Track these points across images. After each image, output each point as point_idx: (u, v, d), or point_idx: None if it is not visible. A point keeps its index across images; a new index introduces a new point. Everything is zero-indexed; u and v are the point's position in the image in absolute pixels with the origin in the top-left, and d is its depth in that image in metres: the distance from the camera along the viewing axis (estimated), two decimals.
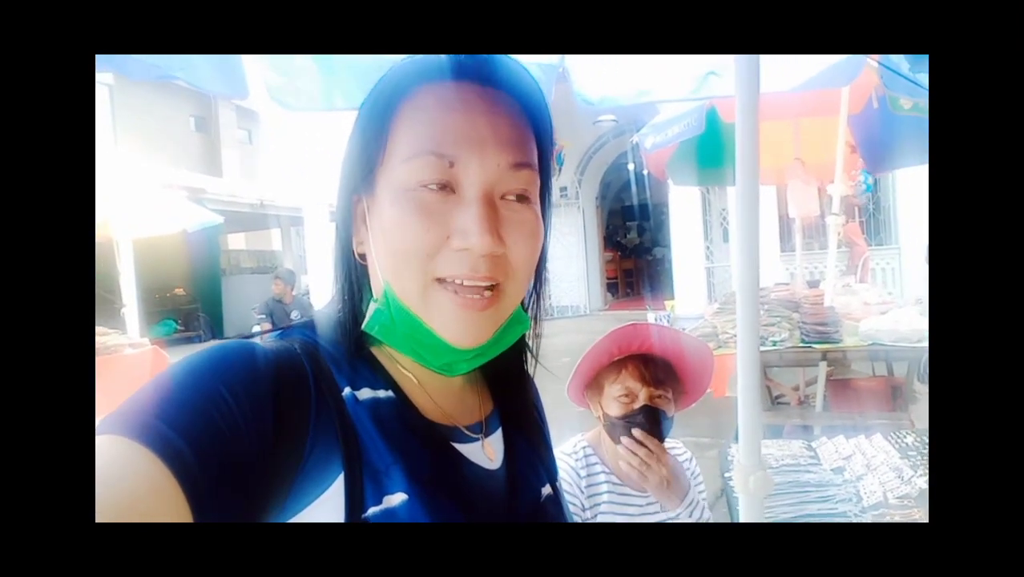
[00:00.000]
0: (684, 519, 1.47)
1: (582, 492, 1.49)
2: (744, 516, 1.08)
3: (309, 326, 0.58)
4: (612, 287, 15.06)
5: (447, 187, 0.52)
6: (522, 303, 0.60)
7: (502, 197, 0.54)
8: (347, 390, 0.53)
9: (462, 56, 0.55)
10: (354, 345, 0.57)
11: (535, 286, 0.64)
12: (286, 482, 0.47)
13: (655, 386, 1.46)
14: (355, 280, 0.59)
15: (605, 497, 1.51)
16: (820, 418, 3.27)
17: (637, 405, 1.45)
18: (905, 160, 4.51)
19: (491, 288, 0.53)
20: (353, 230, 0.58)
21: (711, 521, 1.52)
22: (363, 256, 0.58)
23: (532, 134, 0.57)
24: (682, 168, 4.80)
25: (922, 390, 3.63)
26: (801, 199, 4.25)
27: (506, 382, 0.69)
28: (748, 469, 1.03)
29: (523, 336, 0.64)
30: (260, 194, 12.97)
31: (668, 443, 1.61)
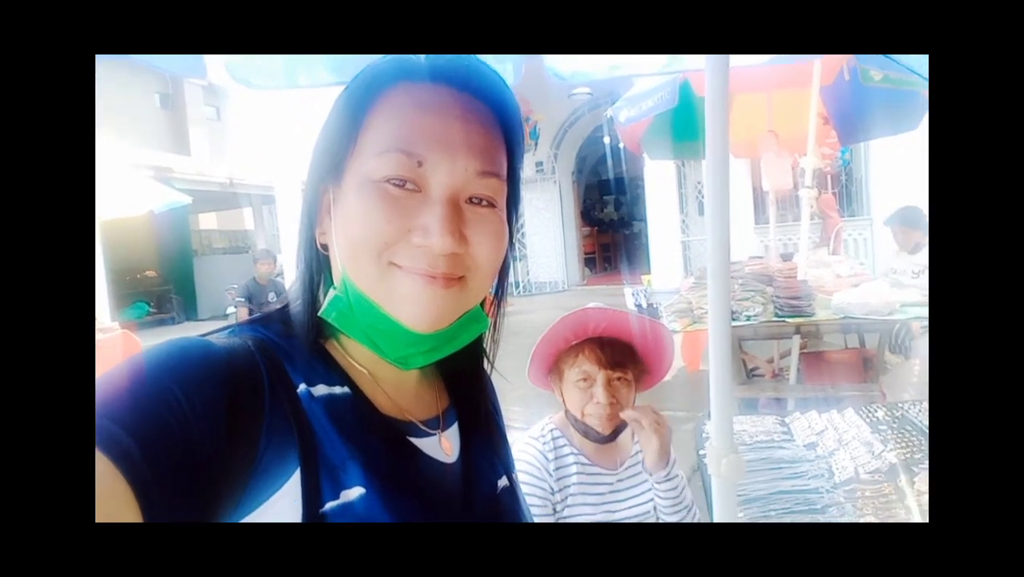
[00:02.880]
0: (663, 489, 1.49)
1: (551, 475, 1.50)
2: (717, 497, 1.08)
3: (263, 322, 0.58)
4: (591, 262, 15.09)
5: (414, 185, 0.53)
6: (482, 304, 0.61)
7: (468, 200, 0.55)
8: (302, 387, 0.53)
9: (442, 58, 0.56)
10: (311, 338, 0.57)
11: (496, 291, 0.64)
12: (240, 480, 0.47)
13: (612, 368, 1.46)
14: (316, 271, 0.59)
15: (575, 479, 1.52)
16: (794, 391, 3.31)
17: (596, 388, 1.45)
18: (876, 131, 4.54)
19: (454, 278, 0.54)
20: (317, 220, 0.58)
21: (688, 497, 1.55)
22: (325, 247, 0.58)
23: (503, 145, 0.58)
24: (657, 142, 4.79)
25: (893, 361, 3.70)
26: (774, 172, 4.25)
27: (462, 379, 0.70)
28: (720, 452, 1.02)
29: (480, 337, 0.64)
30: (229, 172, 12.70)
31: None
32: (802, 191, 3.49)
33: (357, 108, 0.55)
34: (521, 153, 0.62)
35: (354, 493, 0.51)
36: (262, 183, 12.21)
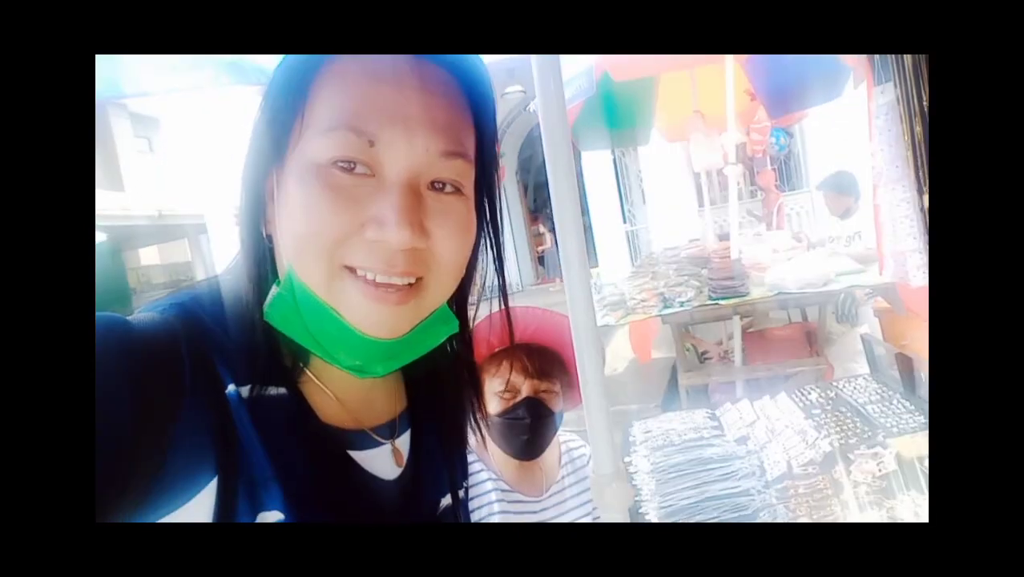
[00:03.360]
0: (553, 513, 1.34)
1: None
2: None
3: (202, 298, 0.51)
4: (544, 260, 15.02)
5: (365, 168, 0.46)
6: (449, 303, 0.55)
7: (430, 186, 0.48)
8: (231, 387, 0.47)
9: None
10: (253, 337, 0.49)
11: (464, 288, 0.58)
12: (142, 481, 0.41)
13: (540, 379, 1.30)
14: (260, 263, 0.51)
15: (496, 507, 1.35)
16: (741, 373, 3.20)
17: (519, 399, 1.29)
18: (804, 101, 4.50)
19: (411, 284, 0.48)
20: (262, 207, 0.51)
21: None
22: (271, 237, 0.51)
23: (471, 119, 0.52)
24: (587, 132, 4.68)
25: (839, 330, 3.63)
26: (703, 152, 4.16)
27: (425, 382, 0.62)
28: (604, 480, 0.85)
29: (449, 339, 0.57)
30: (158, 205, 12.24)
31: (562, 436, 1.46)
32: (727, 168, 3.39)
33: (301, 78, 0.48)
34: (492, 129, 0.55)
35: (271, 517, 0.46)
36: (194, 212, 11.79)
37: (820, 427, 1.55)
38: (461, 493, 0.65)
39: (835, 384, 1.84)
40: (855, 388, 1.78)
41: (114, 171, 16.51)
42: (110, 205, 11.24)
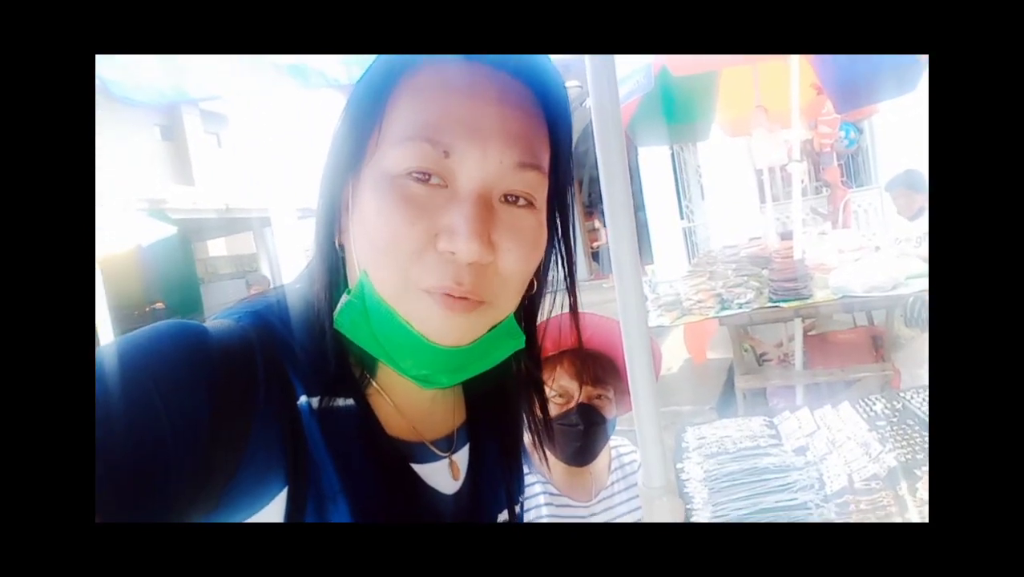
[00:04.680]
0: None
1: None
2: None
3: (275, 307, 0.51)
4: (598, 256, 14.89)
5: (439, 179, 0.46)
6: (516, 317, 0.54)
7: (503, 199, 0.48)
8: (303, 398, 0.47)
9: None
10: (323, 341, 0.50)
11: (534, 304, 0.58)
12: (213, 492, 0.42)
13: (593, 385, 1.28)
14: (334, 272, 0.52)
15: (544, 511, 1.35)
16: (801, 377, 3.10)
17: (572, 405, 1.28)
18: (873, 96, 4.30)
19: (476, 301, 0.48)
20: (337, 216, 0.51)
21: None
22: (343, 247, 0.51)
23: (546, 131, 0.51)
24: (644, 128, 4.60)
25: (907, 335, 3.47)
26: (766, 148, 4.05)
27: (486, 396, 0.62)
28: (654, 493, 0.84)
29: (515, 355, 0.56)
30: (226, 199, 12.71)
31: (613, 440, 1.45)
32: (791, 165, 3.27)
33: (379, 90, 0.48)
34: (568, 141, 0.54)
35: None
36: (260, 206, 12.20)
37: (885, 440, 1.48)
38: (517, 509, 0.65)
39: (902, 394, 1.75)
40: (924, 400, 1.69)
41: (185, 166, 17.24)
42: (181, 198, 11.76)
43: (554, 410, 1.29)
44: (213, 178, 16.95)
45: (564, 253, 0.58)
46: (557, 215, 0.56)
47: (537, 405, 0.63)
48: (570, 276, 0.58)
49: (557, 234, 0.57)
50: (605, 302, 1.36)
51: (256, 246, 15.27)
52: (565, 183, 0.55)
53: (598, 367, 1.30)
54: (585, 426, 1.27)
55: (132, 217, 6.57)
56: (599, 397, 1.30)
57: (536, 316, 0.60)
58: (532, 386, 0.63)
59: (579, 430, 1.27)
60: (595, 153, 1.08)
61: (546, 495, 1.36)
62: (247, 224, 13.68)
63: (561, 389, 1.29)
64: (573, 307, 0.59)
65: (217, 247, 17.14)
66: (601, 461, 1.41)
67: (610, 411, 1.32)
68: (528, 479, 1.37)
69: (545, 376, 1.30)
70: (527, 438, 1.38)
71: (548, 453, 1.34)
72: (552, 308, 0.61)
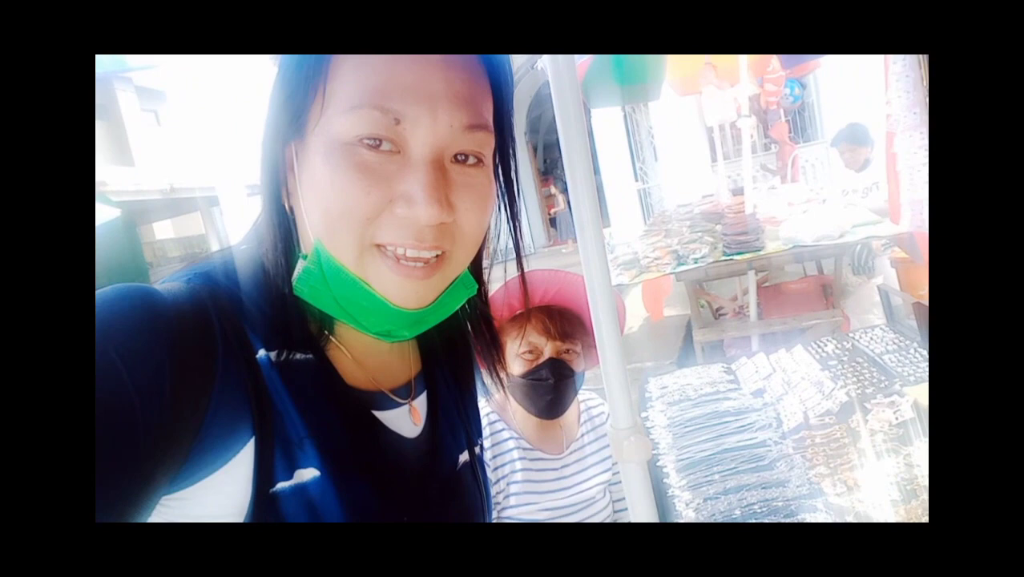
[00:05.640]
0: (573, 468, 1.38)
1: (487, 465, 1.35)
2: (627, 485, 0.92)
3: (223, 268, 0.51)
4: (555, 221, 14.92)
5: (391, 145, 0.47)
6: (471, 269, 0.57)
7: (453, 159, 0.49)
8: (261, 352, 0.48)
9: None
10: (283, 305, 0.51)
11: (480, 252, 0.60)
12: (180, 451, 0.43)
13: (562, 340, 1.31)
14: (286, 234, 0.52)
15: (518, 465, 1.38)
16: (756, 327, 3.20)
17: (542, 360, 1.31)
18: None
19: (436, 256, 0.49)
20: (282, 179, 0.51)
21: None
22: (292, 209, 0.52)
23: (489, 91, 0.53)
24: (597, 89, 4.59)
25: (855, 282, 3.61)
26: (716, 105, 4.09)
27: (440, 343, 0.65)
28: (622, 434, 0.87)
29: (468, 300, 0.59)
30: (170, 179, 12.24)
31: (581, 394, 1.48)
32: (740, 121, 3.32)
33: (319, 55, 0.48)
34: (510, 94, 0.55)
35: (308, 474, 0.48)
36: (206, 185, 11.81)
37: (837, 378, 1.55)
38: (477, 449, 0.67)
39: (851, 335, 1.83)
40: (872, 338, 1.77)
41: (123, 146, 16.49)
42: (121, 180, 11.27)
43: (524, 366, 1.32)
44: (155, 158, 16.27)
45: (507, 201, 0.59)
46: (499, 166, 0.57)
47: (488, 335, 0.66)
48: (513, 221, 0.60)
49: (500, 183, 0.58)
50: (565, 267, 1.38)
51: (205, 226, 14.80)
52: (508, 135, 0.57)
53: (565, 322, 1.33)
54: (555, 380, 1.30)
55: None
56: (567, 352, 1.33)
57: (482, 261, 0.62)
58: (483, 321, 0.65)
59: (549, 384, 1.30)
60: (549, 117, 1.08)
61: (519, 449, 1.39)
62: (193, 204, 13.23)
63: (530, 345, 1.32)
64: (517, 251, 0.62)
65: (164, 229, 16.57)
66: (571, 414, 1.45)
67: (578, 364, 1.35)
68: (502, 435, 1.40)
69: (514, 333, 1.33)
70: (505, 401, 1.40)
71: (518, 407, 1.36)
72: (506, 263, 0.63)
